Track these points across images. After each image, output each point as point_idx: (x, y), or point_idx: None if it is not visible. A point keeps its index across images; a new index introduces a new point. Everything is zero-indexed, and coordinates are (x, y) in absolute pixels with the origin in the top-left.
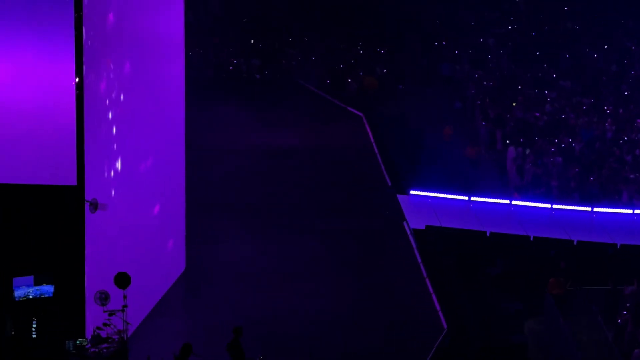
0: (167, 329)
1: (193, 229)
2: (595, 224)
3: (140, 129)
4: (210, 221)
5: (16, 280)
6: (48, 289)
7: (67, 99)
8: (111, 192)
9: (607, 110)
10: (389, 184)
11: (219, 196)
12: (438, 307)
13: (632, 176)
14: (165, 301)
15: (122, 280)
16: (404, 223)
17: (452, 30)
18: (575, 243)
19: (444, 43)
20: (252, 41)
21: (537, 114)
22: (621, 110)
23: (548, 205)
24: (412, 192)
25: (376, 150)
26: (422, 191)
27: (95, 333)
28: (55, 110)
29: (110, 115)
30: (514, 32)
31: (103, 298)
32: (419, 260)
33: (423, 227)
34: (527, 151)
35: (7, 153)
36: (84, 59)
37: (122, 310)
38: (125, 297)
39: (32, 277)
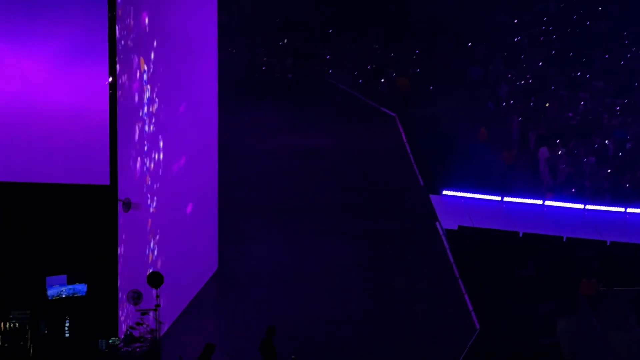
0: (200, 328)
1: (225, 229)
2: (628, 224)
3: (173, 129)
4: (242, 221)
5: (49, 279)
6: (81, 288)
7: (101, 99)
8: (144, 192)
9: None
10: (422, 184)
11: (251, 196)
12: (470, 308)
13: None
14: (198, 300)
15: (155, 279)
16: (437, 223)
17: (485, 31)
18: (608, 244)
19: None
20: (285, 41)
21: (570, 115)
22: None
23: (581, 206)
24: (444, 192)
25: (409, 151)
26: (455, 191)
27: (128, 332)
28: (88, 109)
29: (142, 115)
30: (547, 33)
31: (136, 297)
32: (452, 260)
33: (455, 228)
34: (560, 151)
35: (40, 152)
36: (117, 59)
37: (155, 310)
38: (158, 296)
39: (65, 276)
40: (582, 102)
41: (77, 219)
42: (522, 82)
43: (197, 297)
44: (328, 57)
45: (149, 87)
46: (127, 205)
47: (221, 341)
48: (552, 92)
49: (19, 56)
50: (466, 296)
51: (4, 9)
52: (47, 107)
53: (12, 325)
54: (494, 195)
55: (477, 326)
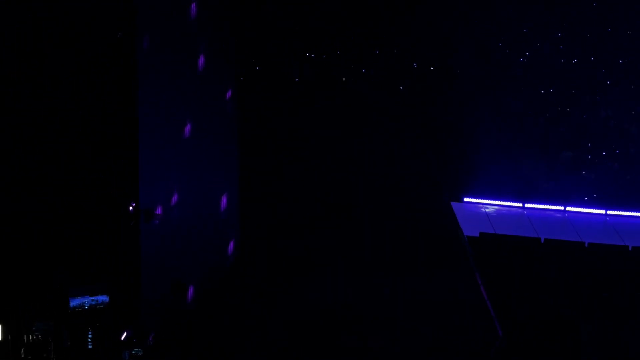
0: None
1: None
2: None
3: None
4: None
5: (72, 290)
6: (103, 299)
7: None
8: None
9: None
10: (444, 191)
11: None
12: (493, 314)
13: None
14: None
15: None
16: (459, 231)
17: (505, 34)
18: (630, 249)
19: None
20: (299, 46)
21: (592, 119)
22: None
23: (602, 212)
24: (465, 199)
25: (429, 156)
26: (476, 198)
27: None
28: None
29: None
30: (567, 37)
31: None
32: (474, 267)
33: (477, 235)
34: (582, 156)
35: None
36: None
37: None
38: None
39: (88, 287)
40: (603, 107)
41: (100, 229)
42: (543, 90)
43: None
44: (342, 60)
45: None
46: (149, 215)
47: None
48: (574, 96)
49: None
50: (489, 302)
51: None
52: None
53: (35, 337)
54: (515, 201)
55: (500, 333)
